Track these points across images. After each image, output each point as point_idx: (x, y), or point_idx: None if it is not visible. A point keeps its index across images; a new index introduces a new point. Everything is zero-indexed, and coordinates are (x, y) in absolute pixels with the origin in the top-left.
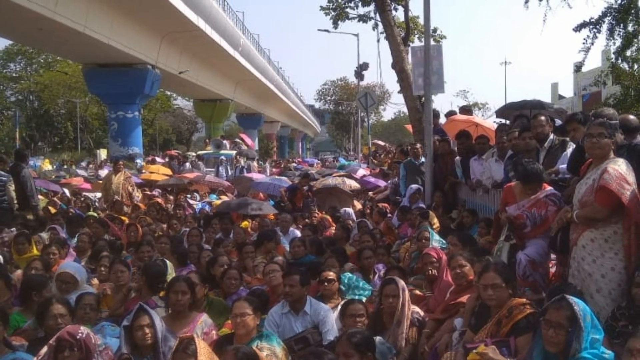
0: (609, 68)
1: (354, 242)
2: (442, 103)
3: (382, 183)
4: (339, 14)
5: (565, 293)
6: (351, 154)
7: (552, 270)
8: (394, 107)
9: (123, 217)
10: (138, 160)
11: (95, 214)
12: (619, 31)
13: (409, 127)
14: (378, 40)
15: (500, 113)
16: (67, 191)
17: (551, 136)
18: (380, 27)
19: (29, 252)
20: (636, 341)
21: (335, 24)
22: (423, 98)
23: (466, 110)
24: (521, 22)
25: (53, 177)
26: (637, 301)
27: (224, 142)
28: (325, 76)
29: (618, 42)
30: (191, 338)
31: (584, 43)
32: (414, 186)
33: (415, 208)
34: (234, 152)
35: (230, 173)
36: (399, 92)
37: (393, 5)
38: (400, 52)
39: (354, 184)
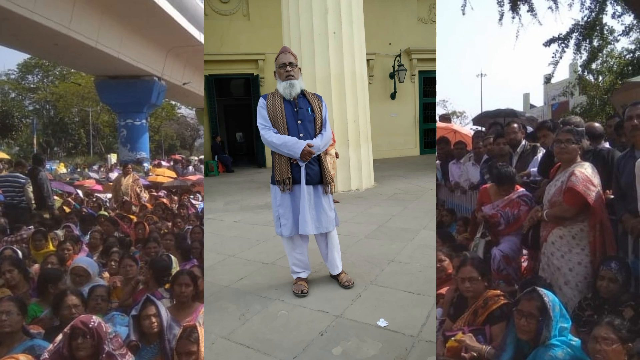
0: (576, 80)
1: None
2: None
3: None
4: None
5: (536, 285)
6: None
7: (524, 264)
8: None
9: (132, 216)
10: (145, 164)
11: (106, 213)
12: (585, 46)
13: None
14: None
15: (476, 121)
16: (80, 192)
17: (523, 142)
18: None
19: (45, 247)
20: (601, 329)
21: None
22: None
23: (445, 118)
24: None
25: (68, 179)
26: (601, 293)
27: None
28: None
29: (584, 56)
30: (194, 326)
31: (553, 57)
32: None
33: None
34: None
35: None
36: None
37: None
38: None
39: None
